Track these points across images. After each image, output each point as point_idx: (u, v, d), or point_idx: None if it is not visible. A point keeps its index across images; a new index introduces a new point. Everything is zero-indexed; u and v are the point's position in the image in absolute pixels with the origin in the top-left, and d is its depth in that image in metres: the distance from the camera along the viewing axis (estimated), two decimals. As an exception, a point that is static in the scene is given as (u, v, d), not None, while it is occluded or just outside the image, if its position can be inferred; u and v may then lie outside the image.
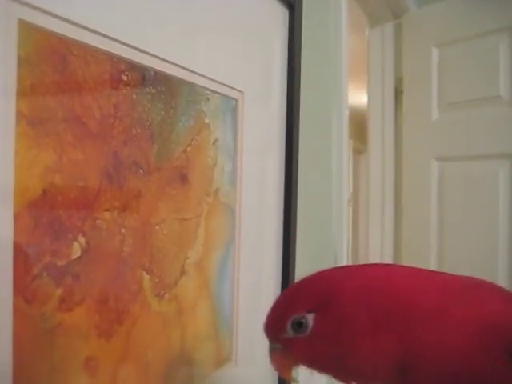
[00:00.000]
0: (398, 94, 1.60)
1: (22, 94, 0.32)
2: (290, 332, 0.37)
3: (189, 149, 0.49)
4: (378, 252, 1.67)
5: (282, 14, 0.69)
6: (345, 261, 0.97)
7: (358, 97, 3.00)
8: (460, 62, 1.43)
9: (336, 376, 0.37)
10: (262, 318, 0.63)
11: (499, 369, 0.31)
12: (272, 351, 0.39)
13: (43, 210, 0.34)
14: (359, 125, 2.53)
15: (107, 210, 0.39)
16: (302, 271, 0.72)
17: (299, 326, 0.36)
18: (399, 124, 1.60)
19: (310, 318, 0.36)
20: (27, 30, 0.32)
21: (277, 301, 0.40)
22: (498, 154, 1.37)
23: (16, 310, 0.32)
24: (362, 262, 3.67)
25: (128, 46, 0.40)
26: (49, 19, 0.34)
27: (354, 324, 0.34)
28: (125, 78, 0.41)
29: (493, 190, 1.36)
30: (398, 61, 1.60)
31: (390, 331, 0.33)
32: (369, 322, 0.34)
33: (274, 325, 0.38)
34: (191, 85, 0.49)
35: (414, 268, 0.38)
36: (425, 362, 0.33)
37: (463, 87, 1.42)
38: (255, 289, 0.63)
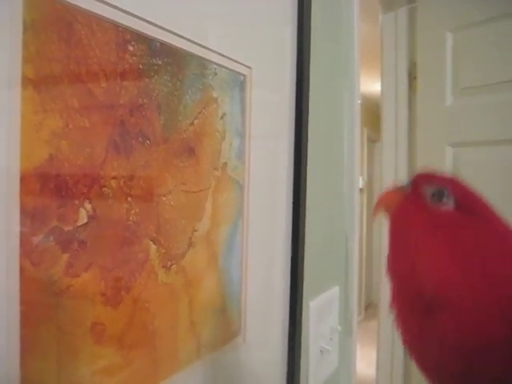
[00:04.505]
0: (411, 79, 1.58)
1: (27, 59, 0.32)
2: (428, 191, 0.38)
3: (196, 122, 0.49)
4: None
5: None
6: (356, 240, 0.97)
7: (373, 86, 2.98)
8: (474, 47, 1.41)
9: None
10: (270, 294, 0.63)
11: None
12: (397, 189, 0.43)
13: (50, 174, 0.34)
14: (373, 113, 2.51)
15: (114, 178, 0.40)
16: (311, 248, 0.72)
17: (440, 194, 0.37)
18: (413, 110, 1.58)
19: (451, 202, 0.37)
20: (32, -5, 0.32)
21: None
22: (513, 139, 1.35)
23: (23, 270, 0.32)
24: (376, 246, 3.64)
25: (134, 16, 0.41)
26: (53, -16, 0.34)
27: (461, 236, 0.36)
28: (131, 48, 0.41)
29: (508, 175, 1.34)
30: (412, 46, 1.59)
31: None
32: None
33: (432, 175, 0.40)
34: (198, 58, 0.49)
35: None
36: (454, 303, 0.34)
37: (477, 72, 1.40)
38: (264, 265, 0.63)
